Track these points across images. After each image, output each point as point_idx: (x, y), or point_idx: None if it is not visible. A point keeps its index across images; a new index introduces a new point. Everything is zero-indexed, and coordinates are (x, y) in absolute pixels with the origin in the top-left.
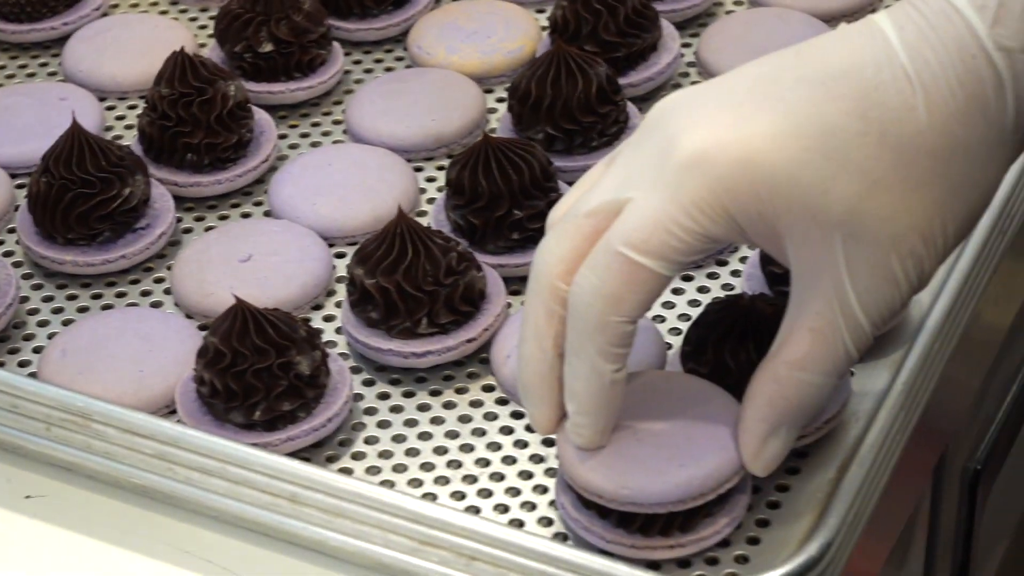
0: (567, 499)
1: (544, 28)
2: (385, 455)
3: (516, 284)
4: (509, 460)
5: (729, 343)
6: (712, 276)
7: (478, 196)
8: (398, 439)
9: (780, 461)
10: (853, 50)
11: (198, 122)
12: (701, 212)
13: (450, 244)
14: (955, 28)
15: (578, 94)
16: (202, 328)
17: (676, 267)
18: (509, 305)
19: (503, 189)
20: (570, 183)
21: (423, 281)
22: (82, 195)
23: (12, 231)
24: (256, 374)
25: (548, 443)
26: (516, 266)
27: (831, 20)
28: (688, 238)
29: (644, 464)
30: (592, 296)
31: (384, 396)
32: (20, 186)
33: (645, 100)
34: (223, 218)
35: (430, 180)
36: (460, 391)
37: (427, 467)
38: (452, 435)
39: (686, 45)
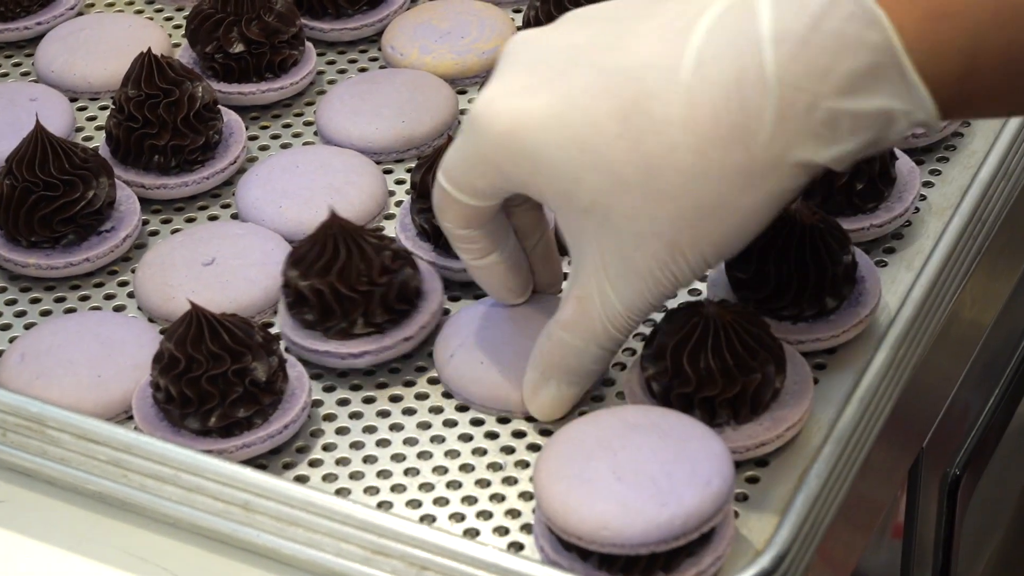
0: (547, 542)
1: (520, 28)
2: (342, 462)
3: (456, 289)
4: (467, 468)
5: (688, 349)
6: None
7: None
8: (356, 446)
9: (556, 409)
10: (658, 49)
11: (165, 124)
12: (480, 164)
13: (384, 243)
14: (747, 54)
15: None
16: (164, 332)
17: (484, 199)
18: (446, 312)
19: None
20: None
21: (356, 281)
22: (45, 198)
23: None
24: (211, 380)
25: (506, 451)
26: (460, 270)
27: None
28: (478, 183)
29: (624, 504)
30: (433, 196)
31: (344, 402)
32: None
33: None
34: (190, 221)
35: (399, 183)
36: (421, 397)
37: (384, 475)
38: (410, 442)
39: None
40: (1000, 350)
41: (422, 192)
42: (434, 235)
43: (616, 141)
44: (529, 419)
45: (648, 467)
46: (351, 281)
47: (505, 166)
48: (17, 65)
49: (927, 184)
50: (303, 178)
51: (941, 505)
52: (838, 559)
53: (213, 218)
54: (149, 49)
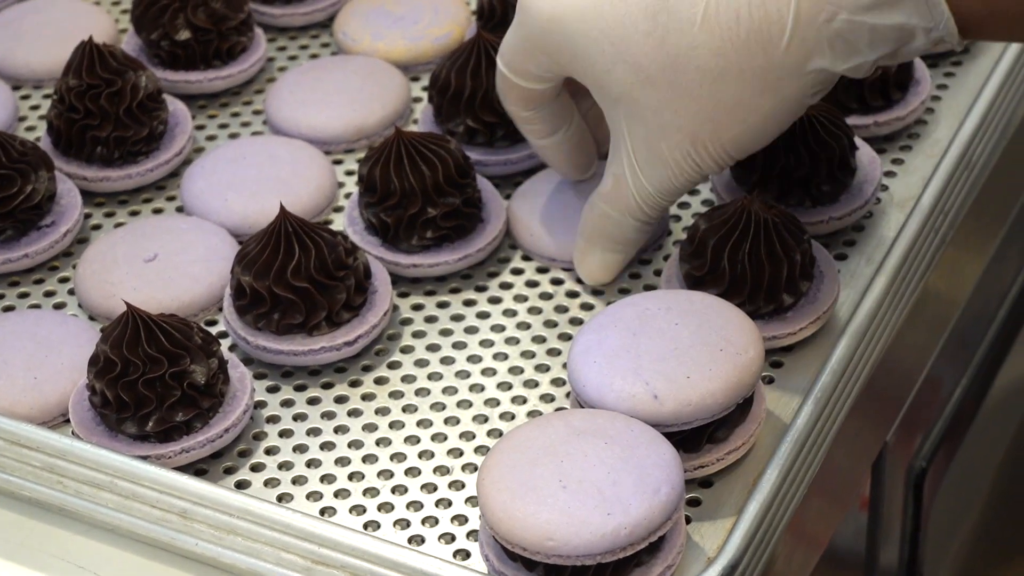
0: (492, 551)
1: (474, 14)
2: (285, 466)
3: (432, 284)
4: (413, 472)
5: (729, 245)
6: (634, 276)
7: (390, 194)
8: (299, 449)
9: (603, 274)
10: None
11: (107, 115)
12: (530, 49)
13: (336, 239)
14: None
15: None
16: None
17: (536, 81)
18: (396, 308)
19: (415, 186)
20: (492, 177)
21: (307, 279)
22: None
23: None
24: (148, 384)
25: (454, 453)
26: (431, 266)
27: None
28: (530, 66)
29: (569, 514)
30: (496, 83)
31: (288, 403)
32: None
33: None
34: (134, 214)
35: (349, 174)
36: (367, 397)
37: (328, 479)
38: (355, 445)
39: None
40: (969, 336)
41: (369, 185)
42: (382, 230)
43: (644, 38)
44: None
45: (594, 475)
46: (301, 279)
47: (549, 52)
48: None
49: (889, 174)
50: (250, 170)
51: (907, 499)
52: (796, 565)
53: (158, 211)
54: (91, 38)
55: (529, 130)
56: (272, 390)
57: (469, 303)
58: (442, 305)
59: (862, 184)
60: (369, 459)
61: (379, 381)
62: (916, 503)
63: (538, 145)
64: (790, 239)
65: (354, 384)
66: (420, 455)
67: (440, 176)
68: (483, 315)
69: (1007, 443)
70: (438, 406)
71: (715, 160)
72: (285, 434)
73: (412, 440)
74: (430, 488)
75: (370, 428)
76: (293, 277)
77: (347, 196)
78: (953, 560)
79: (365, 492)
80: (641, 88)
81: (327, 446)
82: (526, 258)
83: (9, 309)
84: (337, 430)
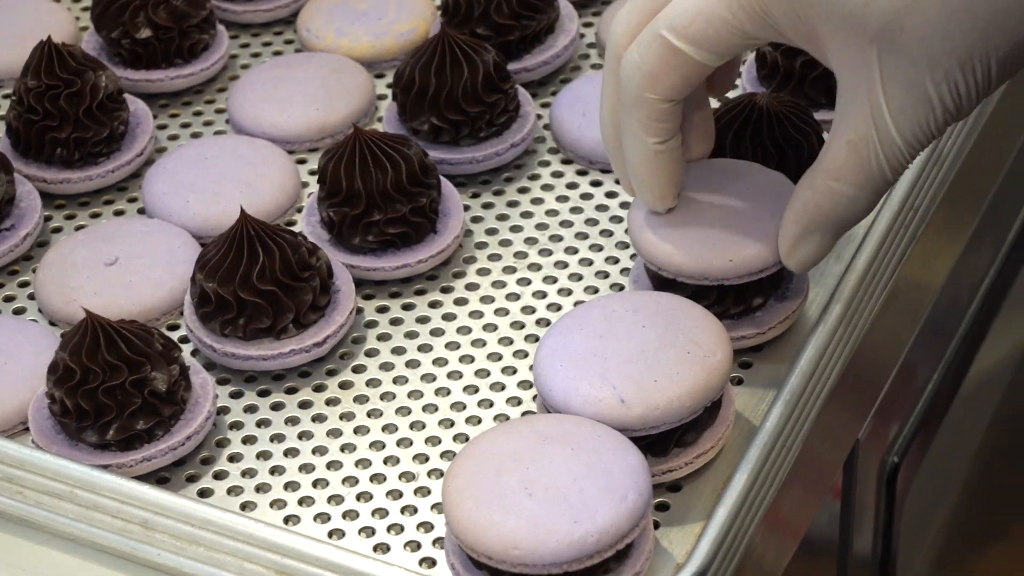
0: (458, 560)
1: (438, 9)
2: (248, 474)
3: (396, 285)
4: (378, 478)
5: (744, 139)
6: (602, 275)
7: (338, 191)
8: (263, 456)
9: (812, 262)
10: None
11: (66, 115)
12: (741, 8)
13: (299, 240)
14: None
15: (464, 83)
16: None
17: (712, 57)
18: (360, 310)
19: (362, 188)
20: (457, 176)
21: (274, 281)
22: None
23: None
24: (108, 392)
25: (419, 459)
26: (367, 269)
27: None
28: (726, 31)
29: (535, 522)
30: (633, 71)
31: (251, 409)
32: None
33: (541, 85)
34: (95, 216)
35: (313, 173)
36: (331, 402)
37: (292, 487)
38: (320, 451)
39: (587, 25)
40: (942, 329)
41: (321, 180)
42: (329, 226)
43: None
44: (442, 423)
45: (560, 482)
46: (267, 282)
47: (775, 2)
48: None
49: None
50: (212, 171)
51: (880, 493)
52: (767, 566)
53: (119, 213)
54: (49, 38)
55: (658, 128)
56: (235, 395)
57: (434, 305)
58: (407, 307)
59: None
60: (334, 465)
61: (344, 385)
62: (889, 498)
63: (656, 152)
64: (795, 134)
65: (318, 389)
66: (385, 461)
67: (390, 181)
68: (449, 317)
69: (982, 432)
70: (403, 410)
71: (978, 84)
72: (248, 440)
73: (377, 446)
74: (395, 495)
75: (335, 434)
76: (259, 281)
77: (310, 195)
78: (928, 549)
79: (330, 499)
80: (909, 14)
81: (291, 452)
82: (493, 256)
83: None
84: (301, 436)
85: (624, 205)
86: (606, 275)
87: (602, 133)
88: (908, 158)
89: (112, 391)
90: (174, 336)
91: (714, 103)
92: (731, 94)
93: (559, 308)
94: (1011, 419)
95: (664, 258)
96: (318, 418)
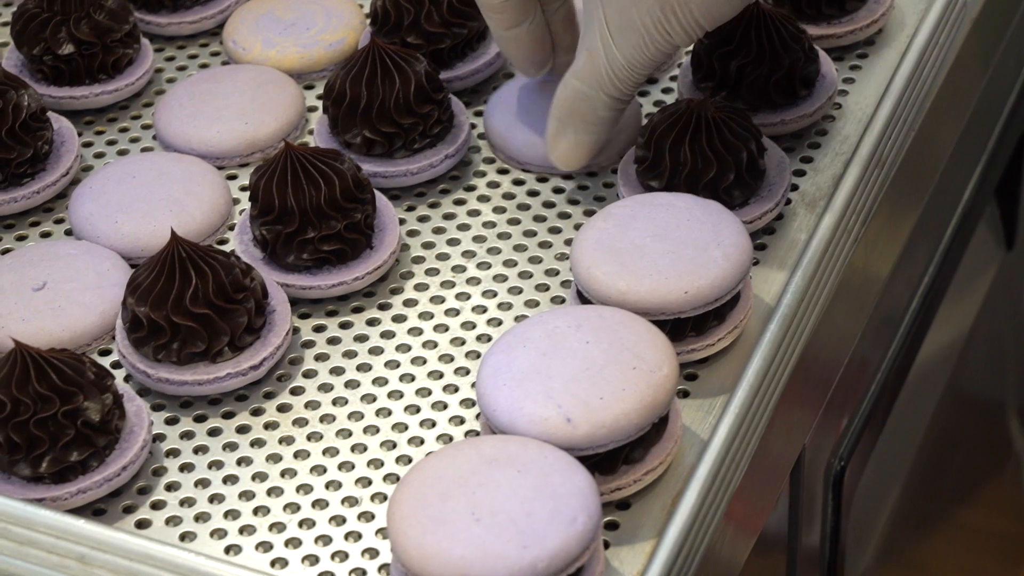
0: None
1: (367, 16)
2: (187, 503)
3: (332, 303)
4: (320, 504)
5: (683, 145)
6: (543, 288)
7: (270, 209)
8: (201, 484)
9: (575, 157)
10: None
11: None
12: None
13: (232, 260)
14: None
15: (396, 94)
16: None
17: None
18: (296, 330)
19: (295, 205)
20: (392, 189)
21: (208, 304)
22: None
23: None
24: (40, 424)
25: (362, 483)
26: (302, 288)
27: None
28: None
29: (484, 548)
30: None
31: (188, 435)
32: None
33: (474, 93)
34: (21, 239)
35: (244, 189)
36: (270, 426)
37: (232, 515)
38: (260, 477)
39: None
40: (884, 330)
41: (253, 197)
42: (262, 244)
43: None
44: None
45: (508, 506)
46: (200, 305)
47: None
48: None
49: (798, 173)
50: (140, 189)
51: (826, 498)
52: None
53: (46, 235)
54: None
55: (497, 19)
56: (171, 422)
57: (372, 322)
58: (344, 325)
59: (771, 186)
60: (275, 492)
61: (282, 408)
62: (836, 500)
63: (502, 36)
64: (734, 139)
65: (256, 412)
66: (327, 486)
67: (323, 198)
68: (387, 334)
69: (926, 422)
70: (344, 433)
71: (684, 28)
72: (186, 468)
73: (318, 470)
74: (339, 520)
75: (274, 459)
76: (192, 304)
77: (242, 212)
78: (875, 541)
79: (271, 527)
80: None
81: (230, 479)
82: (430, 271)
83: None
84: (240, 462)
85: (563, 216)
86: (546, 287)
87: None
88: (633, 74)
89: (44, 423)
90: (106, 362)
91: (652, 108)
92: (668, 100)
93: (500, 323)
94: (953, 406)
95: (617, 297)
96: (257, 443)
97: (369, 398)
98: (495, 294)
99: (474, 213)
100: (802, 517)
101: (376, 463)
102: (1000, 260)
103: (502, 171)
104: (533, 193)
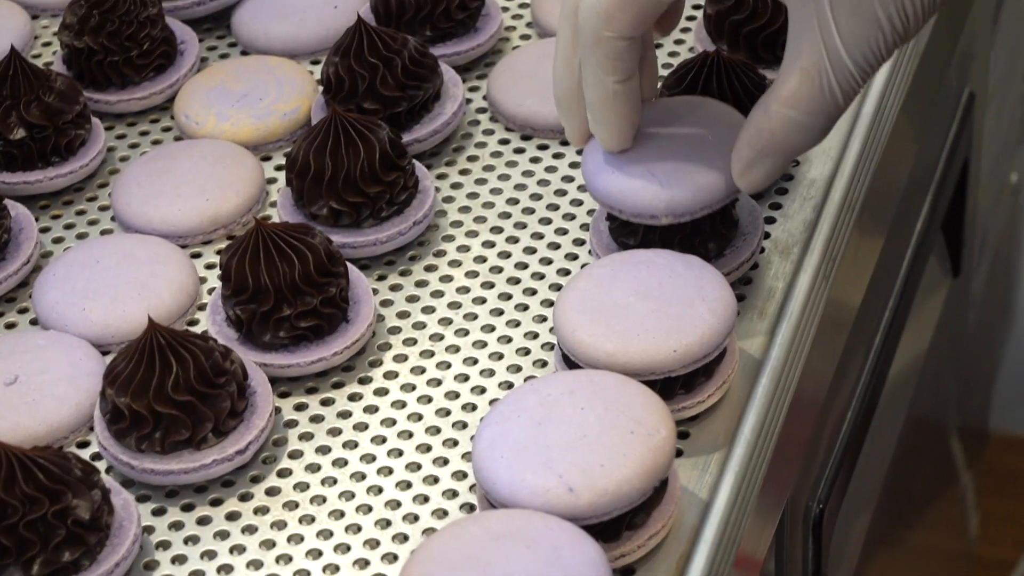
0: None
1: (319, 82)
2: None
3: (312, 380)
4: None
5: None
6: (523, 352)
7: (244, 288)
8: None
9: (764, 185)
10: None
11: None
12: None
13: (210, 344)
14: None
15: (361, 163)
16: None
17: None
18: (278, 410)
19: (270, 283)
20: (361, 259)
21: (190, 390)
22: None
23: None
24: (29, 526)
25: (359, 564)
26: (281, 367)
27: None
28: None
29: None
30: (590, 12)
31: (177, 525)
32: None
33: (434, 155)
34: None
35: (210, 267)
36: (260, 511)
37: None
38: (255, 565)
39: (473, 89)
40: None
41: (225, 277)
42: (237, 324)
43: None
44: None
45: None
46: (182, 393)
47: None
48: None
49: (768, 220)
50: (106, 274)
51: (806, 541)
52: None
53: (11, 326)
54: None
55: (616, 67)
56: (158, 512)
57: (354, 397)
58: (326, 402)
59: (745, 235)
60: None
61: (270, 492)
62: (816, 543)
63: (615, 91)
64: None
65: (244, 498)
66: (324, 569)
67: (297, 273)
68: (371, 409)
69: (892, 450)
70: (336, 513)
71: (925, 7)
72: (178, 560)
73: (313, 554)
74: None
75: (268, 545)
76: (174, 392)
77: (210, 292)
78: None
79: None
80: None
81: (225, 569)
82: (408, 341)
83: None
84: (233, 550)
85: (536, 276)
86: (527, 351)
87: (555, 88)
88: (859, 82)
89: (34, 524)
90: (85, 454)
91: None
92: (685, 55)
93: (484, 390)
94: (913, 431)
95: (605, 359)
96: (249, 529)
97: (358, 476)
98: (476, 361)
99: (446, 279)
100: (786, 564)
101: (372, 543)
102: (948, 287)
103: (471, 233)
104: (504, 255)
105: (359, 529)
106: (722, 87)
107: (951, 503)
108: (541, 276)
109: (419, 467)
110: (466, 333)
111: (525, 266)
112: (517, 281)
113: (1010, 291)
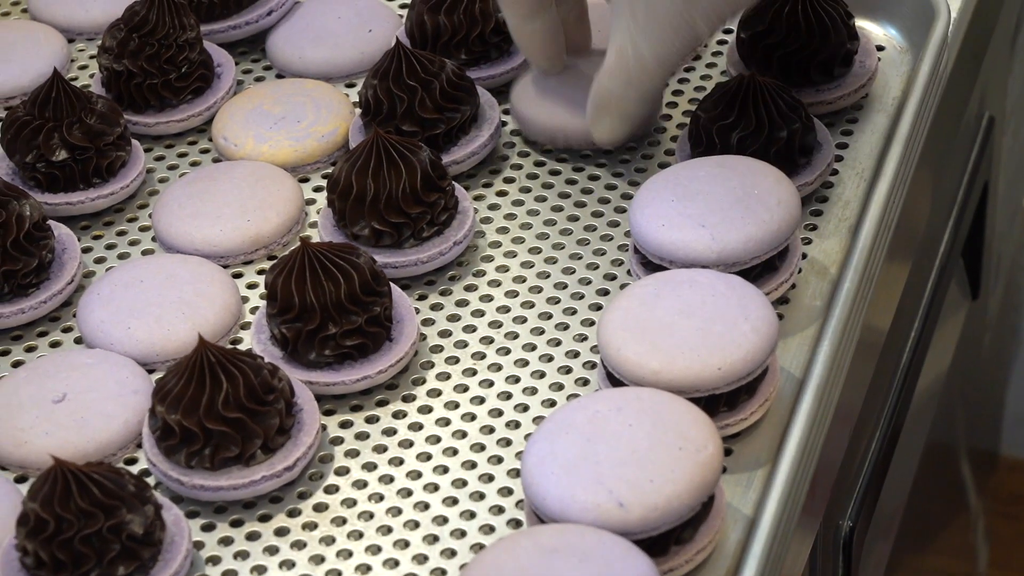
0: None
1: (355, 103)
2: None
3: (356, 398)
4: None
5: (733, 111)
6: (565, 371)
7: (290, 307)
8: None
9: (612, 137)
10: None
11: None
12: None
13: (259, 362)
14: None
15: (403, 185)
16: (19, 480)
17: None
18: (324, 427)
19: (316, 302)
20: (403, 279)
21: (240, 407)
22: None
23: None
24: (84, 540)
25: None
26: (326, 384)
27: None
28: None
29: None
30: None
31: (227, 541)
32: None
33: (471, 177)
34: (30, 350)
35: (251, 287)
36: (308, 527)
37: None
38: None
39: (508, 112)
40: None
41: (272, 296)
42: (282, 342)
43: None
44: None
45: None
46: (232, 410)
47: None
48: None
49: (804, 241)
50: (149, 294)
51: (836, 560)
52: None
53: (55, 344)
54: None
55: (514, 10)
56: (207, 528)
57: (399, 415)
58: (371, 420)
59: (784, 253)
60: None
61: (318, 508)
62: (847, 563)
63: (518, 28)
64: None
65: (292, 514)
66: None
67: (343, 292)
68: (415, 426)
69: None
70: (384, 529)
71: (707, 21)
72: (229, 575)
73: (362, 569)
74: None
75: (317, 560)
76: (224, 409)
77: (252, 311)
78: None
79: None
80: None
81: None
82: (450, 360)
83: None
84: (283, 565)
85: (576, 296)
86: (568, 370)
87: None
88: (661, 70)
89: (89, 539)
90: (133, 470)
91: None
92: (717, 78)
93: (526, 408)
94: (933, 454)
95: (651, 377)
96: (297, 545)
97: (405, 492)
98: (518, 379)
99: (487, 298)
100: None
101: (420, 558)
102: (967, 309)
103: (509, 254)
104: (544, 275)
105: (407, 544)
106: (758, 109)
107: (962, 529)
108: (580, 296)
109: (465, 483)
110: (508, 352)
111: (564, 286)
112: (557, 301)
113: (1020, 315)
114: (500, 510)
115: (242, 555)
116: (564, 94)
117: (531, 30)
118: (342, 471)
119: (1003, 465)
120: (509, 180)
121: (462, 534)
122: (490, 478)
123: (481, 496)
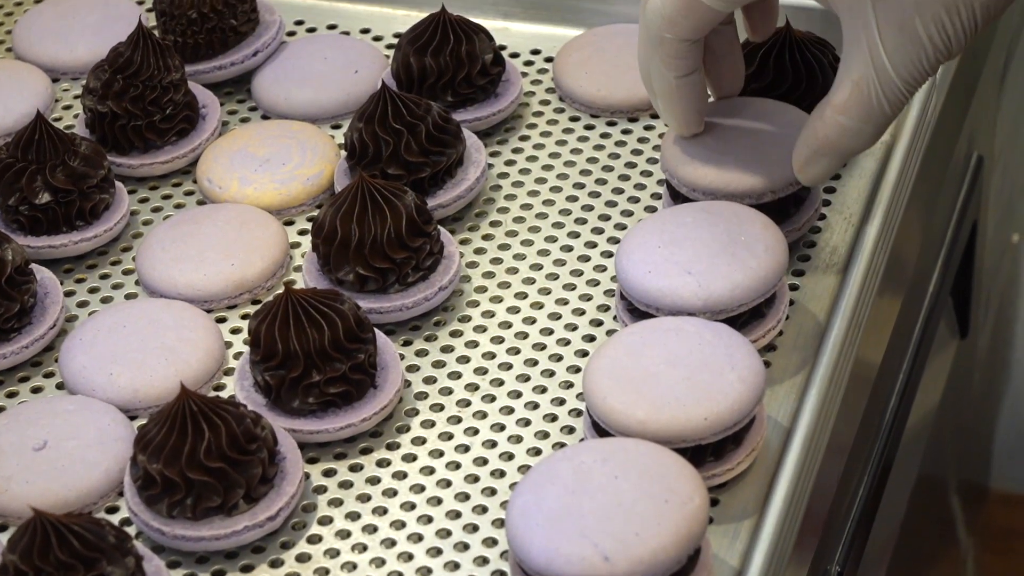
0: None
1: (341, 145)
2: None
3: (340, 446)
4: None
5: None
6: (550, 418)
7: (273, 354)
8: None
9: (822, 180)
10: None
11: None
12: None
13: (241, 411)
14: None
15: (388, 230)
16: None
17: (723, 4)
18: (307, 476)
19: (299, 349)
20: (388, 324)
21: (222, 457)
22: None
23: None
24: None
25: None
26: (309, 432)
27: (615, 112)
28: None
29: None
30: (654, 15)
31: None
32: None
33: (456, 220)
34: (11, 395)
35: (235, 331)
36: None
37: None
38: None
39: (494, 155)
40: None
41: (255, 343)
42: (265, 390)
43: None
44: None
45: None
46: (214, 459)
47: None
48: None
49: (792, 287)
50: (132, 339)
51: None
52: None
53: (36, 390)
54: None
55: (676, 64)
56: None
57: (382, 463)
58: (355, 468)
59: (772, 300)
60: None
61: (301, 558)
62: None
63: (677, 84)
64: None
65: (275, 564)
66: None
67: (327, 340)
68: (399, 475)
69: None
70: None
71: (964, 27)
72: None
73: None
74: None
75: None
76: (206, 458)
77: (236, 356)
78: None
79: None
80: None
81: None
82: (435, 407)
83: None
84: None
85: (561, 342)
86: (554, 417)
87: (640, 71)
88: (906, 95)
89: None
90: (114, 519)
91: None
92: None
93: (512, 456)
94: (922, 490)
95: (637, 427)
96: None
97: (388, 542)
98: (503, 427)
99: (472, 344)
100: None
101: None
102: (956, 347)
103: (495, 299)
104: (529, 320)
105: None
106: (795, 60)
107: (953, 564)
108: (567, 342)
109: (449, 533)
110: (493, 399)
111: (550, 332)
112: (543, 347)
113: (1010, 350)
114: (484, 561)
115: None
116: (717, 148)
117: (692, 82)
118: (325, 520)
119: (993, 499)
120: (495, 224)
121: None
122: (475, 528)
123: (465, 547)
